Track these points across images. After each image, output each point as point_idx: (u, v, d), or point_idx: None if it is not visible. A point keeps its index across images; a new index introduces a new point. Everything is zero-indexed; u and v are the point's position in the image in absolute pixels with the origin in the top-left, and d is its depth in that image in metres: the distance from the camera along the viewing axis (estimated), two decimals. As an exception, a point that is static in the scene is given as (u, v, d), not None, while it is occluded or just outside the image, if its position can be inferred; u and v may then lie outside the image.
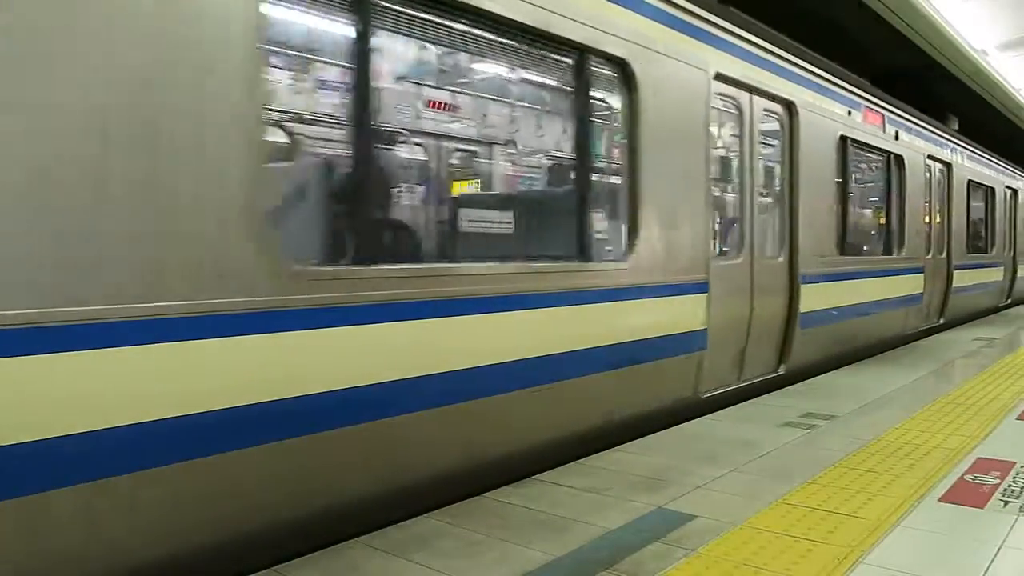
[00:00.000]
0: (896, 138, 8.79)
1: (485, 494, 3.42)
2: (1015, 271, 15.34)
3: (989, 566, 2.60)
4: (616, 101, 4.72)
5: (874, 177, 9.20)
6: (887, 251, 8.80)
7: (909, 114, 9.35)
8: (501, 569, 2.62)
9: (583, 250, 4.26)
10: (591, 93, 4.39)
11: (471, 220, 4.15)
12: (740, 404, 5.34)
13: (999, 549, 2.74)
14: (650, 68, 4.60)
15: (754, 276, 5.87)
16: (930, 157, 9.96)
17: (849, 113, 7.54)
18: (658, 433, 4.51)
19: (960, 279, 11.07)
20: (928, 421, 4.70)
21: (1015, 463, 3.76)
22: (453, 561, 2.69)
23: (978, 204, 12.84)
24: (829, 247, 7.03)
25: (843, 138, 7.41)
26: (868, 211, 9.59)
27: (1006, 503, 3.21)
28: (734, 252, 5.82)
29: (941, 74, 12.87)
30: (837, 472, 3.66)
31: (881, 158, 8.77)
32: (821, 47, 7.47)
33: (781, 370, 6.23)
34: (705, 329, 5.05)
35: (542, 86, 5.18)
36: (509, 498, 3.37)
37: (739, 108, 5.83)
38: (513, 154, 5.53)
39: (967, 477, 3.56)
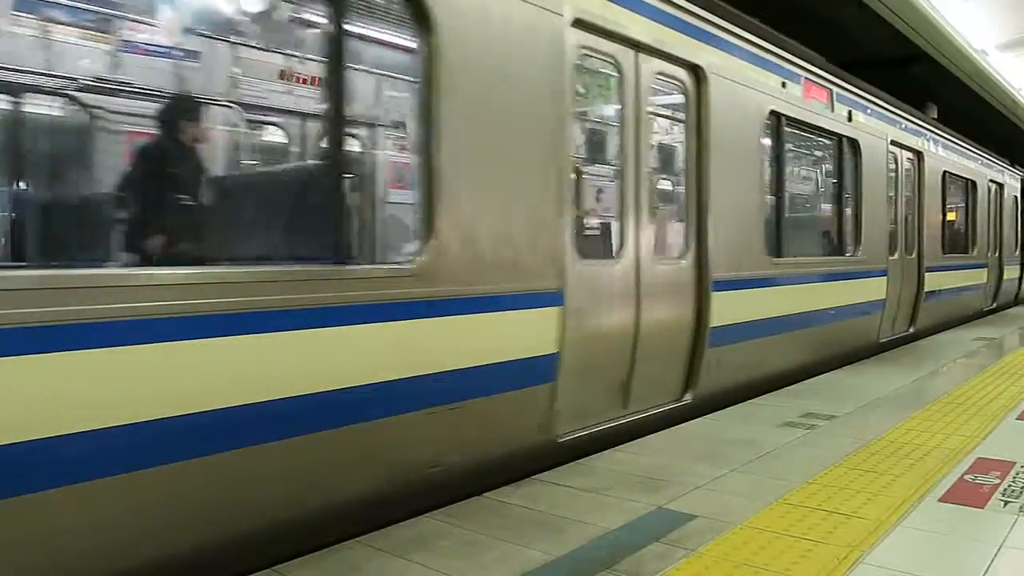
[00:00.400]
0: (849, 119, 7.53)
1: (485, 494, 3.41)
2: (1001, 273, 14.10)
3: (989, 566, 2.60)
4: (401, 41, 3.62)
5: (822, 164, 8.35)
6: (839, 251, 7.61)
7: (869, 94, 8.14)
8: (501, 569, 2.62)
9: (342, 248, 3.16)
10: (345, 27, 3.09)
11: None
12: (740, 404, 5.34)
13: (999, 549, 2.74)
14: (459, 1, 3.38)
15: (641, 282, 4.63)
16: (895, 143, 8.75)
17: (784, 85, 6.29)
18: (658, 433, 4.51)
19: (934, 282, 9.83)
20: (928, 421, 4.70)
21: (1015, 463, 3.76)
22: (453, 561, 2.69)
23: (957, 199, 11.80)
24: (756, 247, 5.83)
25: (775, 115, 6.20)
26: (814, 204, 8.75)
27: (1006, 503, 3.21)
28: (609, 252, 4.67)
29: (932, 67, 12.81)
30: (837, 472, 3.66)
31: (831, 142, 7.61)
32: (800, 32, 7.18)
33: (688, 398, 5.05)
34: (556, 354, 3.84)
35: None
36: (509, 498, 3.37)
37: (619, 69, 4.57)
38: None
39: (967, 477, 3.56)
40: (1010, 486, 3.43)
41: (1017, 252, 15.69)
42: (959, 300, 11.41)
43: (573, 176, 4.17)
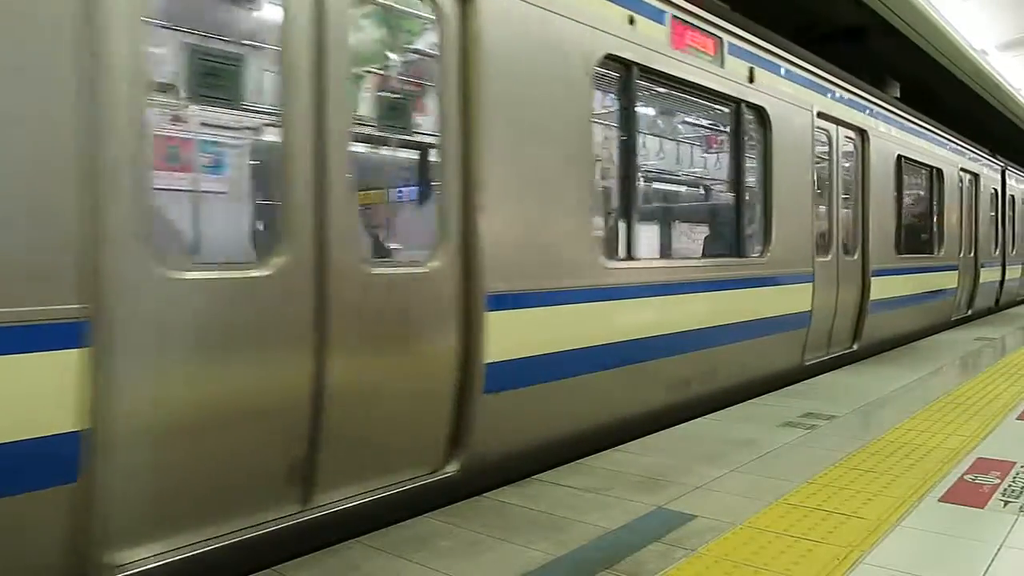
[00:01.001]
0: (751, 79, 5.77)
1: (485, 494, 3.42)
2: (977, 276, 12.11)
3: (989, 566, 2.60)
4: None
5: (712, 138, 7.09)
6: (735, 251, 5.78)
7: (790, 52, 6.47)
8: (501, 569, 2.62)
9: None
10: None
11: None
12: (740, 404, 5.34)
13: (999, 549, 2.74)
14: None
15: (329, 299, 2.92)
16: (826, 117, 6.98)
17: (631, 21, 4.51)
18: (658, 433, 4.51)
19: (884, 288, 8.00)
20: (928, 421, 4.70)
21: (1015, 463, 3.76)
22: (453, 561, 2.69)
23: (919, 190, 10.18)
24: (580, 243, 4.11)
25: (617, 61, 4.49)
26: (693, 190, 7.56)
27: (1006, 503, 3.21)
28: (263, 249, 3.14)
29: (932, 67, 12.78)
30: (837, 472, 3.66)
31: (724, 109, 5.94)
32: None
33: (451, 466, 3.46)
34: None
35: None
36: (509, 498, 3.37)
37: None
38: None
39: (967, 477, 3.56)
40: (1010, 486, 3.43)
41: (997, 253, 13.66)
42: (920, 309, 9.55)
43: None
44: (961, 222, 11.28)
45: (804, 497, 3.30)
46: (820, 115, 6.84)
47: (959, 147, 11.35)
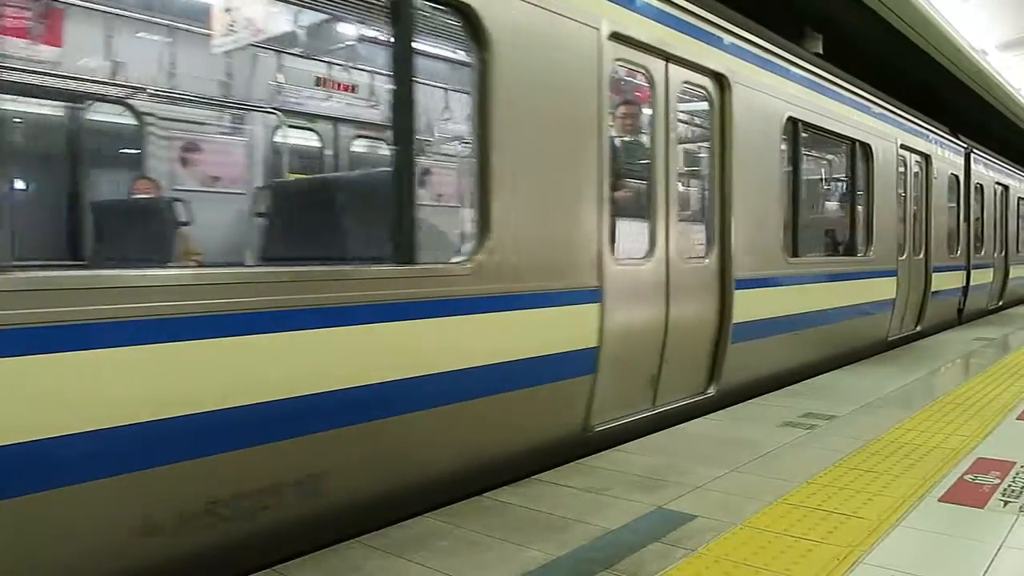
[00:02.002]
0: None
1: (485, 494, 3.42)
2: (928, 282, 9.70)
3: (989, 566, 2.60)
4: None
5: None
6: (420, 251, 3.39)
7: None
8: (501, 569, 2.62)
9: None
10: None
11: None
12: (739, 404, 5.33)
13: (999, 549, 2.74)
14: None
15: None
16: (620, 38, 4.40)
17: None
18: (658, 433, 4.51)
19: (762, 305, 5.77)
20: (928, 421, 4.70)
21: (1015, 463, 3.76)
22: (453, 561, 2.69)
23: (835, 171, 8.64)
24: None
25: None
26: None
27: (1006, 503, 3.21)
28: None
29: (932, 67, 12.77)
30: (837, 472, 3.66)
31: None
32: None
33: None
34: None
35: None
36: (509, 498, 3.37)
37: None
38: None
39: (967, 477, 3.56)
40: (1010, 486, 3.43)
41: (959, 254, 11.25)
42: (832, 330, 7.13)
43: None
44: (904, 215, 8.95)
45: (804, 497, 3.30)
46: (615, 37, 4.32)
47: (898, 118, 8.81)
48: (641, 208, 4.85)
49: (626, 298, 4.43)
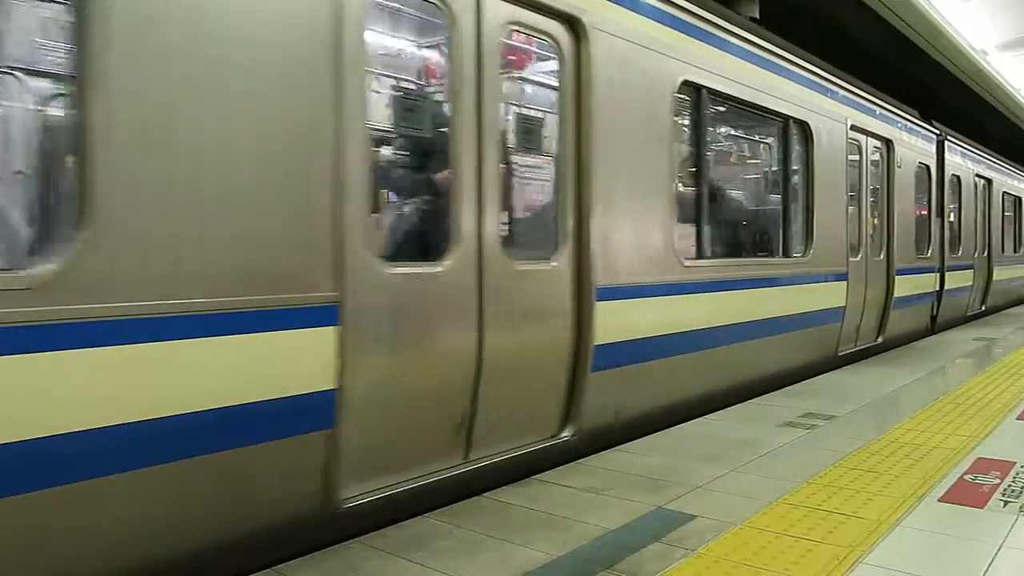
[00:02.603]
0: None
1: (485, 494, 3.42)
2: (889, 287, 8.38)
3: (989, 566, 2.60)
4: None
5: None
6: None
7: None
8: (501, 569, 2.62)
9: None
10: None
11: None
12: (739, 404, 5.33)
13: (999, 549, 2.74)
14: None
15: None
16: None
17: None
18: (658, 433, 4.51)
19: (642, 319, 4.60)
20: (928, 421, 4.70)
21: (1015, 463, 3.76)
22: (453, 561, 2.69)
23: (760, 153, 7.32)
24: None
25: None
26: None
27: (1006, 503, 3.21)
28: None
29: (932, 67, 12.75)
30: (837, 472, 3.66)
31: None
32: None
33: None
34: None
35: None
36: (509, 498, 3.37)
37: None
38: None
39: (967, 477, 3.56)
40: (1010, 486, 3.43)
41: (930, 253, 9.88)
42: (754, 350, 5.78)
43: None
44: (859, 209, 7.77)
45: (804, 497, 3.30)
46: None
47: (849, 95, 7.50)
48: (434, 186, 3.64)
49: (397, 316, 3.18)
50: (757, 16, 6.83)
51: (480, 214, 3.54)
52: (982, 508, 3.16)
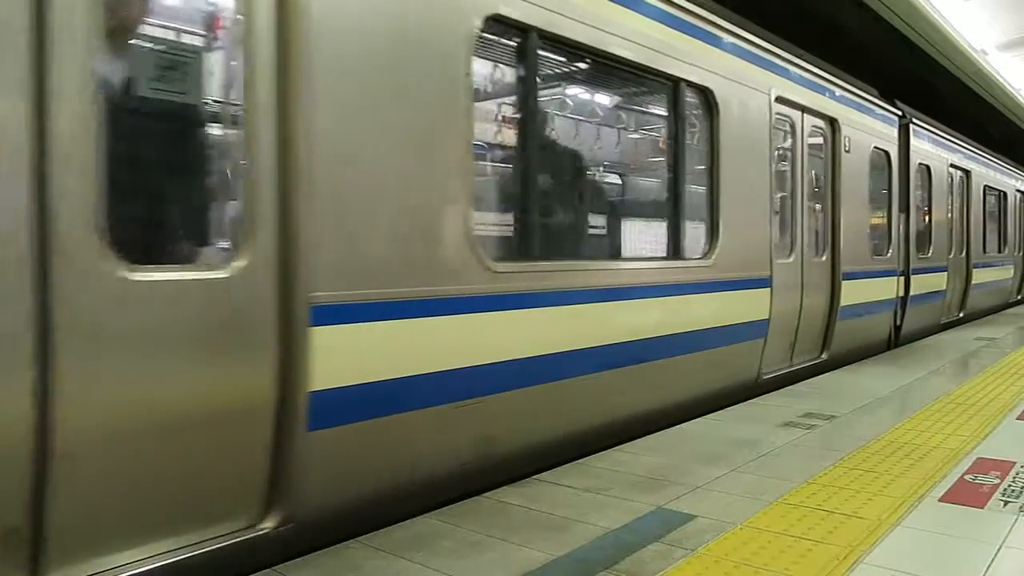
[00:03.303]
0: None
1: (485, 494, 3.42)
2: (835, 294, 7.12)
3: (989, 566, 2.60)
4: None
5: None
6: None
7: None
8: (501, 569, 2.62)
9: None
10: None
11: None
12: (739, 405, 5.33)
13: (999, 549, 2.74)
14: None
15: None
16: None
17: None
18: (658, 433, 4.51)
19: (391, 350, 3.14)
20: (928, 421, 4.70)
21: (1015, 463, 3.76)
22: (453, 561, 2.69)
23: (640, 122, 6.03)
24: None
25: None
26: None
27: (1006, 503, 3.21)
28: None
29: (932, 67, 12.75)
30: (837, 472, 3.66)
31: None
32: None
33: None
34: None
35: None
36: (509, 498, 3.37)
37: None
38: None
39: (967, 477, 3.56)
40: (1010, 486, 3.43)
41: (890, 254, 8.47)
42: (627, 379, 4.53)
43: None
44: (793, 199, 6.51)
45: (804, 497, 3.30)
46: None
47: (774, 59, 6.13)
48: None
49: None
50: None
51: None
52: (982, 508, 3.16)
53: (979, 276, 12.03)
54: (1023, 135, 19.01)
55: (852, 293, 7.35)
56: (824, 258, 7.07)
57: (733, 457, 3.94)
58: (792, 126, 6.60)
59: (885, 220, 8.54)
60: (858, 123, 7.66)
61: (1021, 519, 3.02)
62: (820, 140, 7.11)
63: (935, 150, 10.11)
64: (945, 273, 10.48)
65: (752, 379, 5.86)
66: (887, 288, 8.44)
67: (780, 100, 6.21)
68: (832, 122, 7.18)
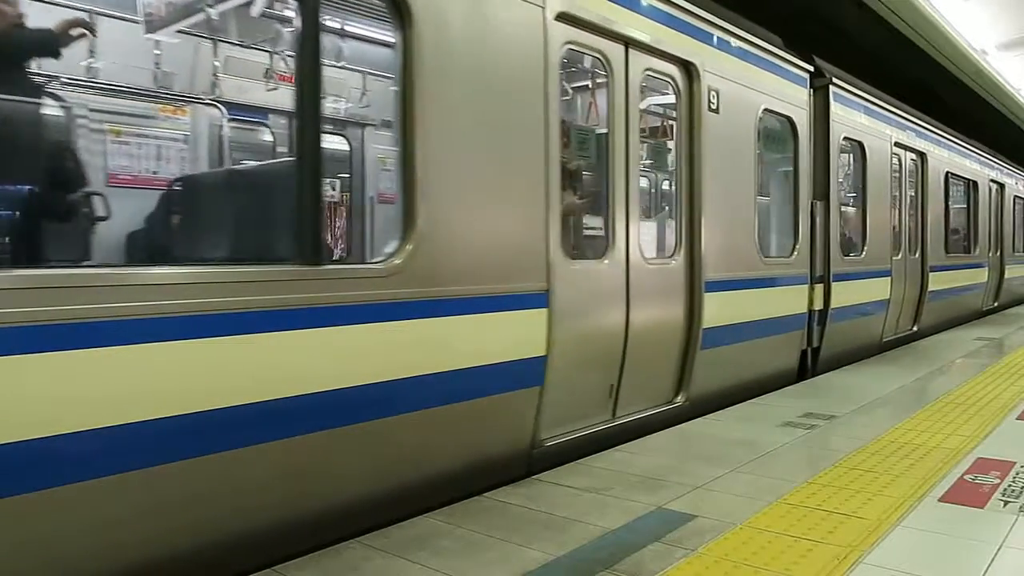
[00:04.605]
0: None
1: (485, 494, 3.42)
2: (693, 313, 5.03)
3: (989, 566, 2.60)
4: None
5: None
6: None
7: None
8: (501, 569, 2.62)
9: None
10: None
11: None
12: (739, 404, 5.33)
13: (999, 549, 2.74)
14: None
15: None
16: None
17: None
18: (658, 433, 4.51)
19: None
20: (928, 421, 4.70)
21: (1015, 463, 3.76)
22: (453, 561, 2.69)
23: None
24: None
25: None
26: None
27: (1006, 503, 3.21)
28: None
29: (932, 67, 12.73)
30: (837, 472, 3.65)
31: None
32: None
33: None
34: None
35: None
36: (509, 498, 3.37)
37: None
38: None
39: (967, 477, 3.56)
40: (1010, 486, 3.43)
41: (796, 253, 6.42)
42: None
43: None
44: (612, 172, 4.54)
45: (804, 497, 3.30)
46: None
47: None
48: None
49: None
50: None
51: None
52: (982, 508, 3.16)
53: (939, 281, 9.83)
54: (1023, 135, 19.00)
55: (725, 309, 5.31)
56: (675, 261, 4.99)
57: (733, 457, 3.94)
58: (608, 64, 4.45)
59: (791, 209, 6.47)
60: (735, 74, 5.53)
61: (1021, 519, 3.02)
62: (669, 93, 5.17)
63: (872, 124, 7.95)
64: (888, 279, 8.21)
65: (522, 450, 3.84)
66: (790, 300, 6.31)
67: (572, 21, 4.10)
68: (687, 67, 5.03)
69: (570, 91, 5.82)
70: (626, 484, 3.52)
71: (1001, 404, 5.19)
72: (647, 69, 4.78)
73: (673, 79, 5.04)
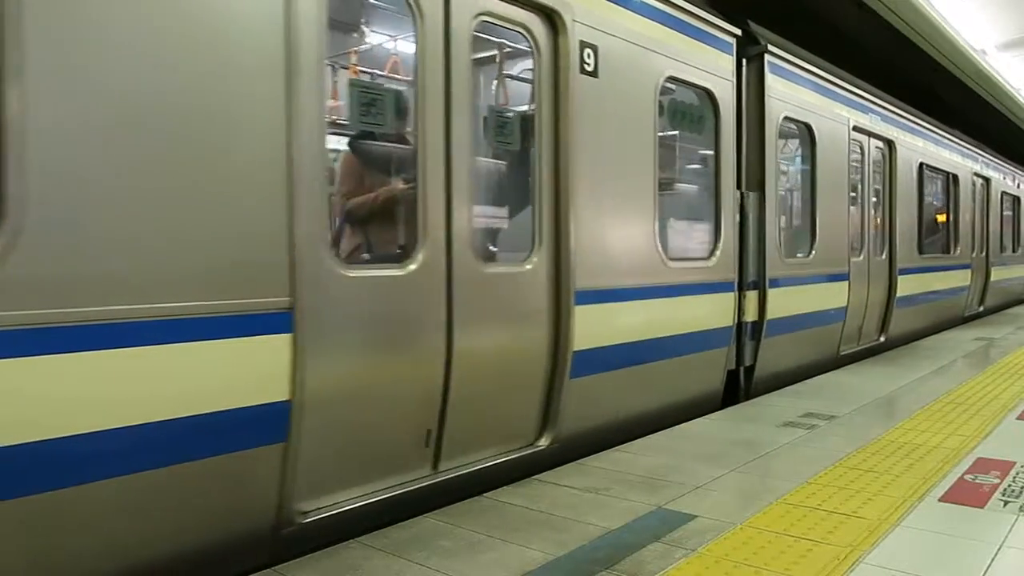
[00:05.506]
0: None
1: (485, 494, 3.42)
2: (559, 347, 3.93)
3: (989, 566, 2.60)
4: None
5: None
6: None
7: None
8: (501, 569, 2.62)
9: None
10: None
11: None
12: (739, 404, 5.33)
13: (999, 549, 2.74)
14: None
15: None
16: None
17: None
18: (658, 433, 4.51)
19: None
20: (928, 421, 4.70)
21: (1015, 463, 3.76)
22: (453, 561, 2.69)
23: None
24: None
25: None
26: None
27: (1006, 503, 3.21)
28: None
29: (933, 67, 12.74)
30: (837, 472, 3.65)
31: None
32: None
33: None
34: None
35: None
36: (509, 498, 3.37)
37: None
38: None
39: (967, 477, 3.56)
40: (1010, 486, 3.43)
41: (718, 256, 5.27)
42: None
43: None
44: (423, 150, 3.32)
45: (804, 497, 3.29)
46: None
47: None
48: None
49: None
50: None
51: None
52: (982, 508, 3.16)
53: (910, 285, 8.70)
54: (1023, 135, 19.00)
55: (607, 325, 4.33)
56: (531, 265, 3.89)
57: (733, 457, 3.94)
58: (415, 5, 3.30)
59: (712, 202, 5.36)
60: (623, 29, 4.42)
61: (1021, 519, 3.02)
62: (527, 54, 4.07)
63: (824, 103, 6.82)
64: (845, 283, 7.15)
65: (261, 531, 2.81)
66: (707, 312, 5.21)
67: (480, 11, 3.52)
68: (551, 16, 3.94)
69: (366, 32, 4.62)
70: (626, 484, 3.52)
71: (1001, 404, 5.19)
72: (481, 13, 3.58)
73: (527, 29, 3.86)
